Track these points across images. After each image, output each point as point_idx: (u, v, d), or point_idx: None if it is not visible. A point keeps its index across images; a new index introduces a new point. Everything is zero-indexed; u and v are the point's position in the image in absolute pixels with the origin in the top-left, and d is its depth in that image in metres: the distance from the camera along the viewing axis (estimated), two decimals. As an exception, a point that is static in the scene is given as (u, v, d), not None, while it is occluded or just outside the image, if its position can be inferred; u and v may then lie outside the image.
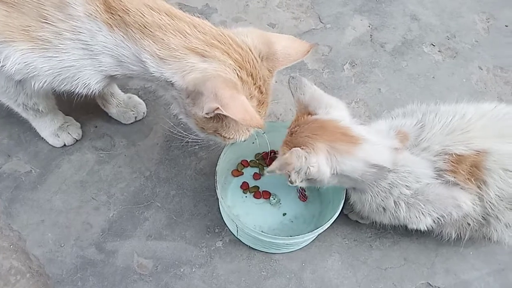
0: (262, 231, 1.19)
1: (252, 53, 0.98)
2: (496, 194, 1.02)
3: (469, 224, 1.10)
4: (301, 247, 1.27)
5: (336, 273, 1.24)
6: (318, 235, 1.23)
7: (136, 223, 1.30)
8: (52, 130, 1.36)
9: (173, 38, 0.92)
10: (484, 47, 1.77)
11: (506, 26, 1.84)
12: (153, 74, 0.96)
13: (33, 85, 0.99)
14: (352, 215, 1.31)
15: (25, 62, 0.93)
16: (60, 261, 1.23)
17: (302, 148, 0.98)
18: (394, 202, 1.06)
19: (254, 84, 0.98)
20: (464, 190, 1.02)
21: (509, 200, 1.03)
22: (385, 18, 1.84)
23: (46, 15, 0.90)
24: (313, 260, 1.26)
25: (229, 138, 1.03)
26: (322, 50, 1.73)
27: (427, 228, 1.10)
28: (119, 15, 0.92)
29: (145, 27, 0.92)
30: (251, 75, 0.97)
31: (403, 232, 1.31)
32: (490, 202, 1.03)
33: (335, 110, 1.05)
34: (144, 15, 0.93)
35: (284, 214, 1.31)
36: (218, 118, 0.98)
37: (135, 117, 1.47)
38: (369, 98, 1.60)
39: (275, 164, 0.99)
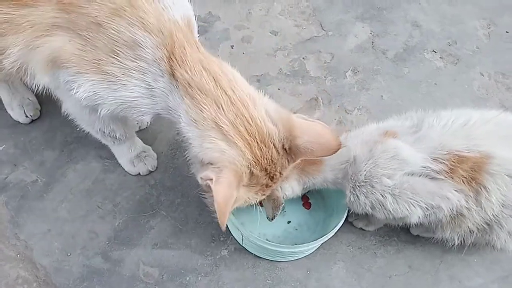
0: (266, 239, 1.19)
1: (274, 148, 0.97)
2: (498, 201, 1.02)
3: (472, 231, 1.11)
4: (306, 255, 1.27)
5: (340, 281, 1.25)
6: (323, 242, 1.23)
7: (142, 231, 1.31)
8: (129, 157, 1.38)
9: (208, 108, 0.95)
10: (485, 53, 1.78)
11: (507, 32, 1.85)
12: (181, 129, 1.00)
13: (100, 111, 1.04)
14: (356, 223, 1.32)
15: (94, 91, 0.99)
16: (66, 270, 1.23)
17: None
18: (381, 195, 1.06)
19: (266, 175, 0.99)
20: (451, 185, 1.02)
21: None
22: (386, 25, 1.85)
23: (118, 51, 0.95)
24: (318, 268, 1.27)
25: (213, 208, 1.01)
26: (324, 58, 1.74)
27: (420, 220, 1.10)
28: (175, 65, 0.96)
29: (190, 86, 0.96)
30: (265, 170, 0.98)
31: (407, 239, 1.31)
32: (492, 209, 1.03)
33: None
34: (193, 73, 0.96)
35: (289, 222, 1.32)
36: (207, 187, 0.98)
37: (139, 127, 1.49)
38: (371, 105, 1.61)
39: (269, 209, 1.14)
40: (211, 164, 0.94)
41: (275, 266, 1.26)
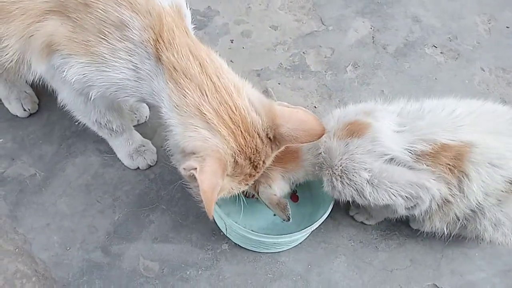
0: (252, 230, 1.19)
1: (259, 137, 0.96)
2: (480, 189, 1.01)
3: (458, 218, 1.09)
4: (290, 247, 1.26)
5: (342, 275, 1.24)
6: (308, 234, 1.22)
7: (142, 226, 1.30)
8: (127, 151, 1.36)
9: (191, 93, 0.93)
10: (485, 48, 1.78)
11: (507, 27, 1.85)
12: (162, 114, 0.98)
13: (91, 95, 1.03)
14: (357, 217, 1.31)
15: (83, 74, 0.98)
16: (66, 265, 1.22)
17: (262, 182, 1.08)
18: (360, 186, 1.04)
19: (250, 164, 0.98)
20: (429, 174, 1.01)
21: (496, 195, 1.03)
22: (387, 20, 1.85)
23: (106, 32, 0.93)
24: (319, 262, 1.26)
25: (198, 198, 0.98)
26: (325, 52, 1.74)
27: (408, 212, 1.10)
28: (161, 47, 0.94)
29: (175, 69, 0.94)
30: (249, 158, 0.96)
31: (408, 233, 1.31)
32: (475, 198, 1.02)
33: None
34: (179, 57, 0.94)
35: (275, 214, 1.30)
36: (191, 177, 0.96)
37: (138, 121, 1.47)
38: (372, 100, 1.60)
39: (280, 213, 1.10)
40: (194, 153, 0.92)
41: (276, 260, 1.26)
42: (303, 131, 0.96)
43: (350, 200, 1.09)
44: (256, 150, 0.96)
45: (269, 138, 0.98)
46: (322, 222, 1.15)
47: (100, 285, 1.20)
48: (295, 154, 1.11)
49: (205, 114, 0.92)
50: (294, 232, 1.14)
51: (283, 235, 1.14)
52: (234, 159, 0.94)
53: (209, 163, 0.89)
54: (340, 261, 1.26)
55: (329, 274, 1.24)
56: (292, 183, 1.15)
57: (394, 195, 1.03)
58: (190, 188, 1.03)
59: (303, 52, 1.73)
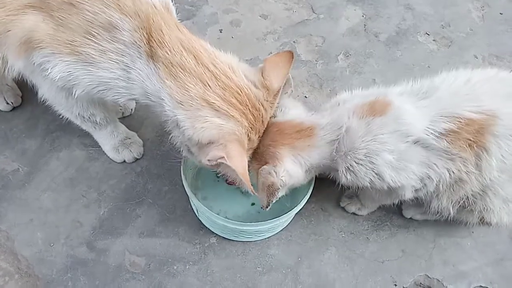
0: (226, 217, 1.17)
1: (263, 107, 1.01)
2: (498, 164, 0.96)
3: (468, 198, 1.05)
4: (260, 238, 1.24)
5: (332, 267, 1.22)
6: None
7: (128, 220, 1.27)
8: (112, 144, 1.34)
9: (194, 86, 0.95)
10: (479, 35, 1.75)
11: (501, 13, 1.82)
12: (166, 113, 0.98)
13: (74, 92, 1.02)
14: (349, 207, 1.28)
15: (68, 72, 0.97)
16: (50, 261, 1.19)
17: (268, 163, 1.01)
18: (381, 169, 0.99)
19: (258, 136, 1.04)
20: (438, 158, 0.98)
21: (510, 172, 0.99)
22: (378, 8, 1.82)
23: (94, 33, 0.93)
24: (309, 254, 1.24)
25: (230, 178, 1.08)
26: (316, 41, 1.70)
27: (415, 194, 1.07)
28: (154, 48, 0.95)
29: (172, 66, 0.95)
30: (259, 131, 1.03)
31: (400, 223, 1.29)
32: (490, 173, 0.98)
33: (290, 109, 1.09)
34: (173, 53, 0.95)
35: (253, 204, 1.28)
36: (218, 165, 1.00)
37: (122, 113, 1.44)
38: (364, 89, 1.57)
39: (263, 196, 1.02)
40: (212, 142, 0.95)
41: (265, 253, 1.23)
42: (282, 70, 1.04)
43: (369, 185, 1.03)
44: (262, 121, 1.02)
45: (268, 101, 1.03)
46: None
47: (85, 282, 1.17)
48: (307, 131, 1.03)
49: (213, 103, 0.95)
50: (260, 222, 1.12)
51: (249, 223, 1.13)
52: (248, 136, 1.00)
53: (232, 148, 0.94)
54: (330, 253, 1.24)
55: (319, 266, 1.22)
56: (306, 171, 1.05)
57: (412, 175, 1.00)
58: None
59: (294, 41, 1.70)
